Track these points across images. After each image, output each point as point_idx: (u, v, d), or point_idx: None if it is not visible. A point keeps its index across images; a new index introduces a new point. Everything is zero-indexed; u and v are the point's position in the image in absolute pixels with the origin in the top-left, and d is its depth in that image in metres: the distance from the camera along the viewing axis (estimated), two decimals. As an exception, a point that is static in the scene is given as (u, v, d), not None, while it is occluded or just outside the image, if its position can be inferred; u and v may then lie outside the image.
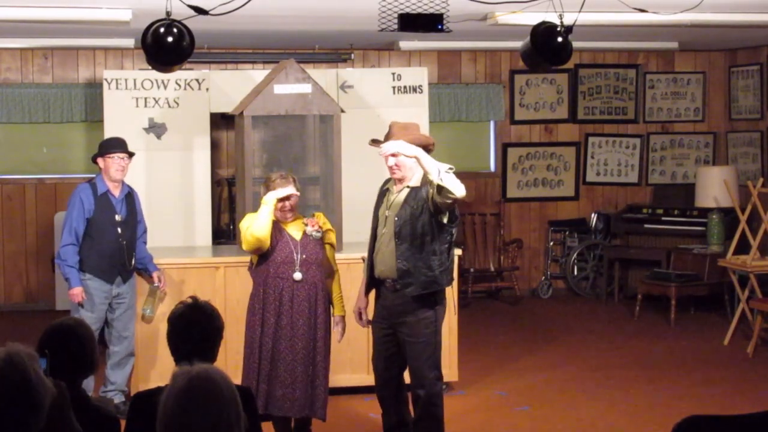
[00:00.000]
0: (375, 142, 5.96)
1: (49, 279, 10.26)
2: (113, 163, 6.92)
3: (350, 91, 8.81)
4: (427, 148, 5.80)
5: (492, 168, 11.52)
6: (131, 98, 8.51)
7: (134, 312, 7.13)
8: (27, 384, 2.91)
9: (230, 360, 6.92)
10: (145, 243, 7.17)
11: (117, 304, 6.98)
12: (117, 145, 7.00)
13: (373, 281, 6.02)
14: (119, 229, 6.92)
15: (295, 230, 5.99)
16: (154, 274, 7.09)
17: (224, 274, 7.22)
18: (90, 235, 6.86)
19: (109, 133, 8.49)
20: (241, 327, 6.81)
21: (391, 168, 5.87)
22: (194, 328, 4.00)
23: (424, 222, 5.77)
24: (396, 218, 5.84)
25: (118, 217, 6.93)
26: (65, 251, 6.84)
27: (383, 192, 6.05)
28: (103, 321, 7.00)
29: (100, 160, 6.98)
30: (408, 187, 5.87)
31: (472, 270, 10.85)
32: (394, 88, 8.95)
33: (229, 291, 7.18)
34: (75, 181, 7.09)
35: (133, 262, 7.05)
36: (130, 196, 7.06)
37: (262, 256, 5.94)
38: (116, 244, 6.91)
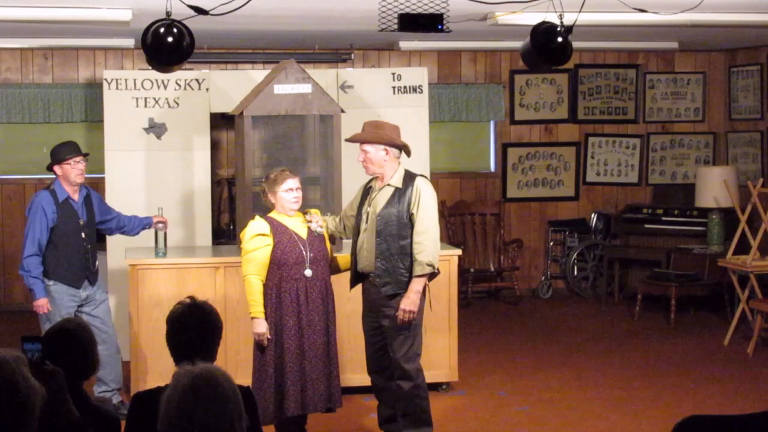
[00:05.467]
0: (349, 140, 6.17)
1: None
2: (72, 168, 6.79)
3: (350, 91, 8.81)
4: (396, 146, 5.97)
5: (492, 168, 11.52)
6: (131, 98, 8.50)
7: (108, 308, 7.07)
8: (15, 390, 2.92)
9: (230, 360, 6.92)
10: (118, 213, 7.22)
11: (86, 304, 6.91)
12: (72, 150, 6.83)
13: (357, 275, 6.14)
14: (83, 234, 6.86)
15: (299, 228, 6.01)
16: (155, 218, 7.28)
17: (224, 274, 7.22)
18: (54, 243, 6.76)
19: (109, 132, 8.51)
20: (242, 327, 6.82)
21: (362, 163, 6.04)
22: (193, 329, 4.01)
23: (405, 225, 5.92)
24: (378, 217, 5.96)
25: (81, 222, 6.86)
26: (29, 262, 6.76)
27: (367, 189, 6.15)
28: None
29: (56, 168, 6.82)
30: (390, 185, 5.99)
31: (472, 270, 10.85)
32: (394, 88, 8.94)
33: (229, 291, 7.17)
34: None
35: (96, 264, 7.01)
36: (88, 198, 6.97)
37: (272, 261, 5.95)
38: (81, 248, 6.85)
